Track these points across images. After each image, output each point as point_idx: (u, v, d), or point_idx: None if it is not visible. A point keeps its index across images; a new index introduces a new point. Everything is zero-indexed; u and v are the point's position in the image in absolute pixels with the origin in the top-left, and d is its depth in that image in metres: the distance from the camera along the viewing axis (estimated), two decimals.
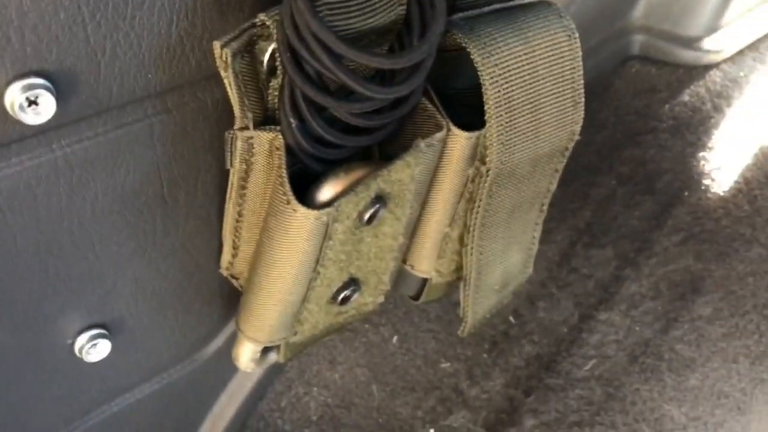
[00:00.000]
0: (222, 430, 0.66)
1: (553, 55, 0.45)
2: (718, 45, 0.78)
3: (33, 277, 0.42)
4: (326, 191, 0.41)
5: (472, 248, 0.52)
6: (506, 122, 0.44)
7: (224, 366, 0.62)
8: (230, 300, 0.55)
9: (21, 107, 0.33)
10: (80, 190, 0.40)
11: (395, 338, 0.72)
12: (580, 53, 0.46)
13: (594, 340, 0.68)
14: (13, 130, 0.35)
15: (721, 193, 0.69)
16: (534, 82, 0.45)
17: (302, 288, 0.45)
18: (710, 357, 0.66)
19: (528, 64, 0.44)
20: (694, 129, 0.71)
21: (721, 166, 0.70)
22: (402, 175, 0.42)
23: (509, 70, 0.43)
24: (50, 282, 0.43)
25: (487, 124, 0.44)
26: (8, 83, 0.33)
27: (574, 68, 0.46)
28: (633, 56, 0.78)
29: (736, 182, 0.69)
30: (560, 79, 0.46)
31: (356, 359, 0.71)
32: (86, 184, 0.40)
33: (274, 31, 0.37)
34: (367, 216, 0.42)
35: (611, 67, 0.77)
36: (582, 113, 0.48)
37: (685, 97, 0.73)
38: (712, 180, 0.69)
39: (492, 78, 0.42)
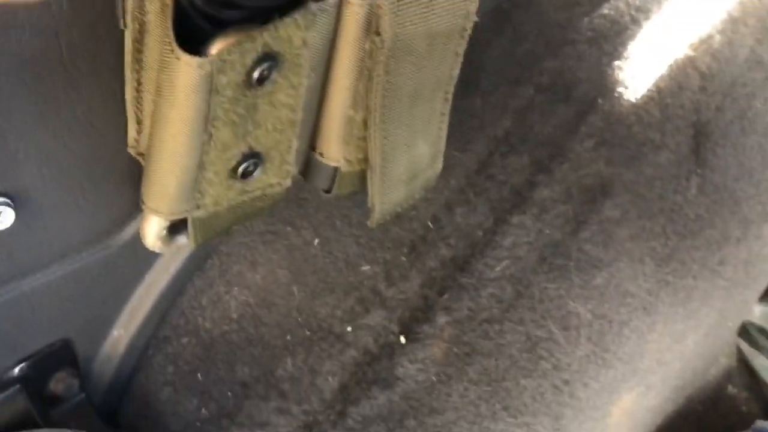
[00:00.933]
0: (140, 323, 0.66)
1: None
2: None
3: None
4: (214, 48, 0.41)
5: (375, 131, 0.53)
6: None
7: (140, 254, 0.63)
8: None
9: None
10: None
11: (316, 241, 0.73)
12: None
13: (507, 242, 0.70)
14: None
15: (634, 101, 0.70)
16: None
17: (195, 150, 0.45)
18: (617, 258, 0.68)
19: None
20: (612, 40, 0.73)
21: (636, 76, 0.71)
22: (292, 34, 0.42)
23: None
24: None
25: None
26: None
27: None
28: None
29: (649, 90, 0.71)
30: None
31: (277, 261, 0.72)
32: None
33: None
34: (256, 74, 0.42)
35: None
36: None
37: (605, 10, 0.74)
38: (626, 88, 0.71)
39: None
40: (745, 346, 1.07)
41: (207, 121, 0.43)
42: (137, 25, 0.41)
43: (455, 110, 0.75)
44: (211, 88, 0.41)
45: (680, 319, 0.74)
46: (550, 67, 0.72)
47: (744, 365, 1.10)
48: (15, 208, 0.49)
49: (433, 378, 0.68)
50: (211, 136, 0.44)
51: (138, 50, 0.43)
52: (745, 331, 1.06)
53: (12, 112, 0.45)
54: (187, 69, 0.40)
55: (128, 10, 0.40)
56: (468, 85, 0.76)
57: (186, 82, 0.40)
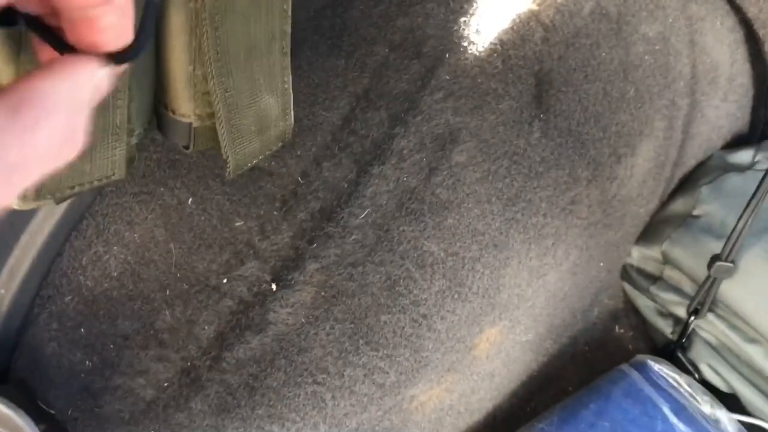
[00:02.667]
0: (20, 282, 0.70)
1: None
2: None
3: None
4: None
5: (215, 85, 0.57)
6: None
7: (12, 217, 0.67)
8: None
9: None
10: None
11: (191, 200, 0.77)
12: None
13: (369, 191, 0.75)
14: None
15: (478, 54, 0.75)
16: None
17: None
18: (465, 199, 0.74)
19: None
20: None
21: (481, 30, 0.76)
22: None
23: None
24: None
25: None
26: None
27: None
28: None
29: (492, 44, 0.76)
30: None
31: (154, 220, 0.76)
32: None
33: None
34: None
35: None
36: None
37: None
38: (471, 42, 0.76)
39: None
40: (628, 288, 1.14)
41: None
42: None
43: (320, 70, 0.80)
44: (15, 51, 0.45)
45: (535, 255, 0.80)
46: (401, 26, 0.77)
47: (629, 306, 1.17)
48: None
49: (303, 320, 0.73)
50: None
51: None
52: (626, 274, 1.13)
53: None
54: None
55: None
56: (332, 46, 0.80)
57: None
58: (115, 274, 0.75)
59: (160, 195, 0.76)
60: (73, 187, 0.57)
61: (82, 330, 0.73)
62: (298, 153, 0.78)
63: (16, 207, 0.58)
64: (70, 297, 0.74)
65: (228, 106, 0.60)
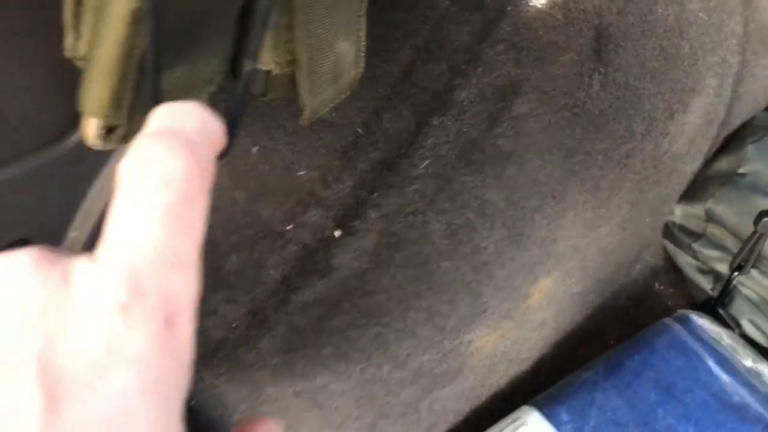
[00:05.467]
0: (93, 225, 0.71)
1: None
2: None
3: None
4: None
5: (300, 32, 0.58)
6: None
7: (88, 161, 0.68)
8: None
9: None
10: None
11: (255, 149, 0.78)
12: None
13: (429, 142, 0.76)
14: None
15: (540, 6, 0.75)
16: None
17: (125, 68, 0.50)
18: (526, 150, 0.74)
19: None
20: None
21: None
22: None
23: None
24: None
25: None
26: None
27: None
28: None
29: None
30: None
31: (219, 168, 0.77)
32: None
33: None
34: None
35: None
36: None
37: None
38: None
39: None
40: (669, 245, 1.14)
41: (133, 43, 0.48)
42: None
43: (381, 23, 0.80)
44: (139, 18, 0.46)
45: (590, 207, 0.80)
46: None
47: (670, 263, 1.17)
48: None
49: (365, 265, 0.74)
50: (131, 51, 0.49)
51: None
52: (668, 231, 1.13)
53: None
54: (124, 2, 0.45)
55: None
56: (392, 1, 0.80)
57: (120, 11, 0.45)
58: None
59: None
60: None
61: None
62: (359, 105, 0.79)
63: (95, 146, 0.59)
64: None
65: (310, 53, 0.60)
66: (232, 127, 0.37)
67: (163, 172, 0.28)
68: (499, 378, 0.85)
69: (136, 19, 0.45)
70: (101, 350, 0.24)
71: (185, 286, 0.27)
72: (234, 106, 0.39)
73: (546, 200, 0.75)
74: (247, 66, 0.41)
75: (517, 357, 0.86)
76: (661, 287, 1.18)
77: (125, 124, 0.54)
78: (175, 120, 0.31)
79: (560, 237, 0.78)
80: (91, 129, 0.57)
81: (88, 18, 0.51)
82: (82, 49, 0.54)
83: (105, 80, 0.51)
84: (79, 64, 0.55)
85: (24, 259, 0.26)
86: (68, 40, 0.54)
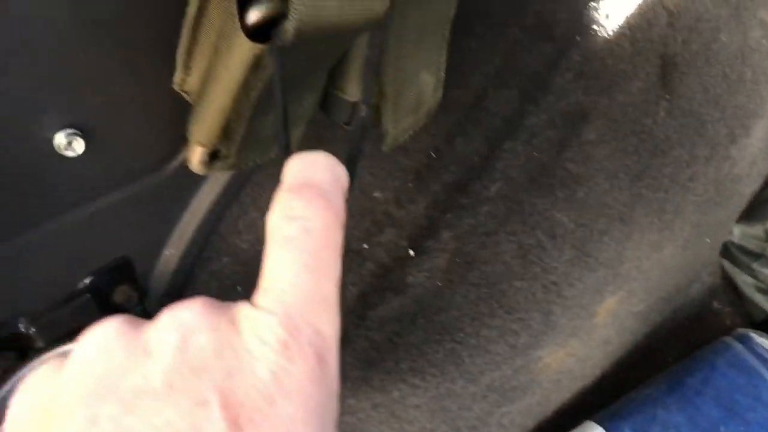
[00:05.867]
0: (187, 243, 0.76)
1: None
2: None
3: (17, 73, 0.51)
4: (253, 14, 0.50)
5: (389, 67, 0.62)
6: None
7: (185, 184, 0.72)
8: (187, 123, 0.65)
9: None
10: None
11: None
12: None
13: (500, 165, 0.79)
14: None
15: (608, 37, 0.78)
16: None
17: (238, 103, 0.54)
18: (595, 174, 0.77)
19: None
20: None
21: (610, 15, 0.79)
22: None
23: None
24: (31, 80, 0.52)
25: None
26: None
27: None
28: None
29: (621, 27, 0.79)
30: None
31: None
32: None
33: None
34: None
35: None
36: None
37: None
38: (601, 26, 0.79)
39: None
40: (727, 265, 1.15)
41: (251, 85, 0.52)
42: None
43: (454, 51, 0.84)
44: (259, 64, 0.50)
45: (655, 229, 0.83)
46: (534, 10, 0.80)
47: (728, 283, 1.18)
48: (84, 138, 0.58)
49: (439, 284, 0.77)
50: (248, 93, 0.53)
51: (201, 14, 0.51)
52: (727, 251, 1.14)
53: (78, 56, 0.54)
54: (245, 49, 0.49)
55: None
56: (464, 28, 0.84)
57: (242, 57, 0.50)
58: None
59: None
60: (255, 161, 0.62)
61: (239, 288, 0.79)
62: (432, 129, 0.82)
63: (198, 171, 0.64)
64: (227, 258, 0.80)
65: (396, 85, 0.64)
66: (352, 170, 0.40)
67: (306, 224, 0.33)
68: (564, 394, 0.88)
69: (256, 64, 0.49)
70: (270, 382, 0.28)
71: (331, 324, 0.31)
72: (352, 150, 0.42)
73: (613, 222, 0.78)
74: (362, 112, 0.44)
75: (582, 373, 0.89)
76: (719, 306, 1.20)
77: (234, 155, 0.59)
78: (309, 173, 0.36)
79: (626, 258, 0.81)
80: (196, 156, 0.62)
81: (201, 56, 0.56)
82: (190, 83, 0.59)
83: (218, 115, 0.56)
84: (186, 96, 0.60)
85: (196, 309, 0.31)
86: (178, 74, 0.58)
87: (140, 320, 0.33)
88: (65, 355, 0.32)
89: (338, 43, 0.53)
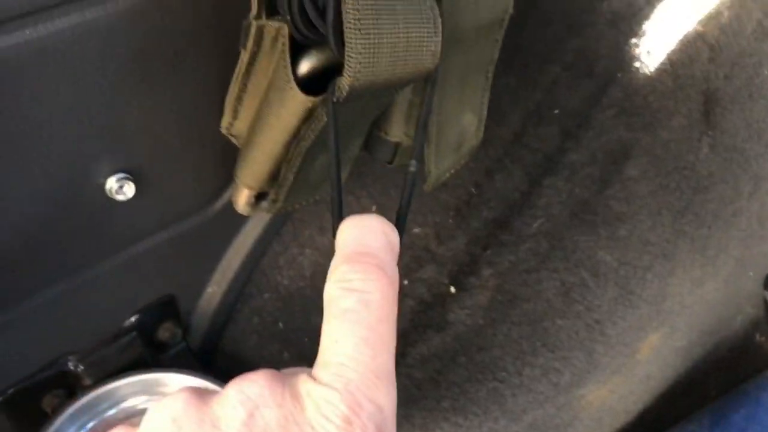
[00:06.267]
0: (230, 280, 0.76)
1: None
2: None
3: (72, 124, 0.52)
4: (304, 65, 0.51)
5: (432, 108, 0.62)
6: None
7: (229, 223, 0.73)
8: (232, 163, 0.65)
9: None
10: (108, 50, 0.50)
11: (374, 207, 0.82)
12: None
13: (541, 202, 0.78)
14: None
15: (649, 73, 0.78)
16: None
17: (287, 149, 0.55)
18: (638, 211, 0.76)
19: None
20: (628, 21, 0.80)
21: (650, 51, 0.79)
22: None
23: None
24: (86, 129, 0.53)
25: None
26: None
27: None
28: None
29: (662, 63, 0.78)
30: None
31: None
32: (112, 45, 0.50)
33: None
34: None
35: None
36: None
37: None
38: (642, 62, 0.78)
39: None
40: None
41: (302, 135, 0.53)
42: (255, 47, 0.51)
43: (493, 89, 0.84)
44: (311, 116, 0.51)
45: (698, 265, 0.81)
46: (573, 47, 0.80)
47: None
48: (135, 182, 0.59)
49: (480, 321, 0.77)
50: (300, 142, 0.54)
51: (251, 64, 0.52)
52: None
53: (131, 104, 0.55)
54: (297, 101, 0.50)
55: (250, 37, 0.50)
56: (504, 65, 0.84)
57: (292, 105, 0.50)
58: (308, 273, 0.81)
59: (348, 203, 0.81)
60: (301, 203, 0.63)
61: (280, 324, 0.79)
62: (471, 165, 0.82)
63: (244, 213, 0.65)
64: (268, 294, 0.80)
65: (439, 127, 0.64)
66: (401, 229, 0.41)
67: (364, 296, 0.33)
68: (605, 431, 0.87)
69: (308, 116, 0.50)
70: None
71: (389, 397, 0.32)
72: (402, 207, 0.43)
73: (657, 259, 0.77)
74: (412, 167, 0.45)
75: (624, 409, 0.88)
76: (762, 338, 1.18)
77: (282, 199, 0.59)
78: (364, 240, 0.36)
79: (669, 294, 0.80)
80: (243, 198, 0.62)
81: (250, 103, 0.57)
82: (238, 128, 0.59)
83: (267, 160, 0.56)
84: (233, 140, 0.61)
85: (261, 383, 0.31)
86: (226, 118, 0.59)
87: (207, 392, 0.34)
88: (130, 417, 0.33)
89: (388, 95, 0.53)
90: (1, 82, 0.46)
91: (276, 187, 0.59)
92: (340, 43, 0.45)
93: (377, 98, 0.52)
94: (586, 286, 0.75)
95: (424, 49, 0.48)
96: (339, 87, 0.46)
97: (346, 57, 0.45)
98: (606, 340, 0.77)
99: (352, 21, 0.44)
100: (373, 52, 0.46)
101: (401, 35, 0.46)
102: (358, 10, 0.44)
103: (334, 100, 0.47)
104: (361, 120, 0.57)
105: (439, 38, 0.48)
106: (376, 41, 0.46)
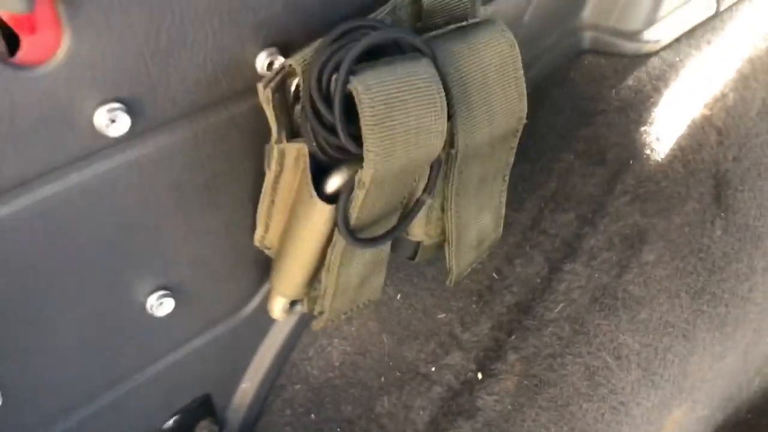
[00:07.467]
0: (263, 375, 0.77)
1: (498, 61, 0.56)
2: (657, 35, 0.88)
3: (114, 252, 0.54)
4: (331, 183, 0.53)
5: (450, 214, 0.64)
6: (466, 114, 0.56)
7: (261, 321, 0.74)
8: (263, 267, 0.67)
9: (106, 125, 0.45)
10: (147, 186, 0.52)
11: (399, 296, 0.83)
12: (520, 58, 0.57)
13: (562, 287, 0.79)
14: (102, 141, 0.47)
15: (660, 160, 0.79)
16: (485, 83, 0.56)
17: (319, 256, 0.57)
18: (657, 294, 0.77)
19: (479, 69, 0.55)
20: (637, 108, 0.82)
21: (660, 138, 0.80)
22: None
23: (465, 75, 0.55)
24: (127, 255, 0.55)
25: (452, 117, 0.55)
26: (96, 107, 0.45)
27: (516, 69, 0.57)
28: (585, 50, 0.89)
29: (673, 150, 0.80)
30: (506, 79, 0.57)
31: (368, 315, 0.83)
32: (150, 182, 0.52)
33: (300, 71, 0.48)
34: None
35: (567, 61, 0.88)
36: (525, 103, 0.59)
37: (630, 82, 0.84)
38: (653, 149, 0.80)
39: (453, 81, 0.54)
40: None
41: (329, 239, 0.54)
42: (278, 168, 0.53)
43: (510, 176, 0.86)
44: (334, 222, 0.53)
45: (717, 342, 0.82)
46: (585, 135, 0.82)
47: None
48: (173, 297, 0.61)
49: (509, 407, 0.77)
50: (335, 246, 0.55)
51: (276, 182, 0.54)
52: None
53: (170, 227, 0.57)
54: (321, 209, 0.52)
55: (273, 159, 0.52)
56: (519, 154, 0.86)
57: (319, 218, 0.52)
58: (337, 363, 0.82)
59: None
60: (345, 313, 0.64)
61: (312, 415, 0.80)
62: (492, 251, 0.84)
63: (279, 319, 0.66)
64: (299, 385, 0.81)
65: (458, 228, 0.66)
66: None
67: None
68: None
69: (330, 226, 0.52)
70: None
71: None
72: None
73: (677, 340, 0.78)
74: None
75: None
76: None
77: (327, 309, 0.61)
78: None
79: (690, 372, 0.80)
80: (278, 305, 0.64)
81: (279, 217, 0.58)
82: (270, 239, 0.61)
83: (300, 269, 0.58)
84: (266, 252, 0.62)
85: None
86: (259, 232, 0.61)
87: None
88: None
89: (406, 181, 0.54)
90: (54, 222, 0.48)
91: (319, 297, 0.61)
92: (353, 136, 0.47)
93: (396, 186, 0.53)
94: (609, 369, 0.76)
95: (433, 131, 0.49)
96: (360, 180, 0.48)
97: (365, 150, 0.47)
98: (631, 420, 0.77)
99: (368, 117, 0.46)
100: (389, 143, 0.48)
101: (412, 123, 0.48)
102: (372, 107, 0.46)
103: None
104: (386, 213, 0.58)
105: (445, 119, 0.50)
106: (390, 132, 0.47)
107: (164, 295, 0.60)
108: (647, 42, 0.87)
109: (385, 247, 0.63)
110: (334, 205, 0.52)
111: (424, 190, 0.56)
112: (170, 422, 0.72)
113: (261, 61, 0.52)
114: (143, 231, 0.55)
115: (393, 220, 0.60)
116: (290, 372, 0.81)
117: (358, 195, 0.50)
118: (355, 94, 0.46)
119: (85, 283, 0.54)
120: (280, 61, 0.51)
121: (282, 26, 0.51)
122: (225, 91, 0.51)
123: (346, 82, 0.46)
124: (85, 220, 0.50)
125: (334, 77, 0.47)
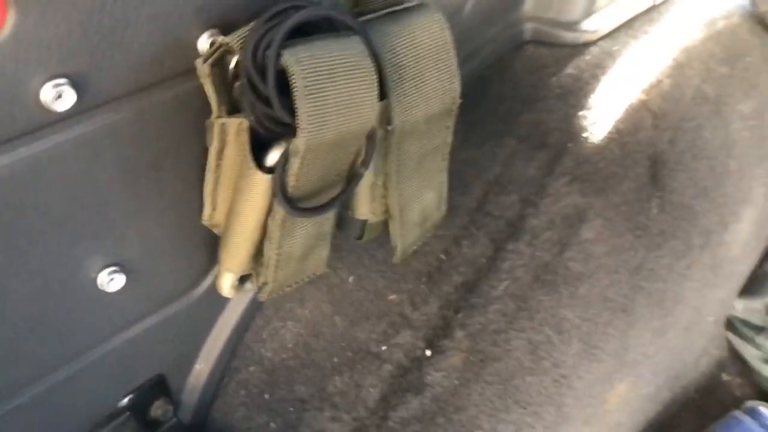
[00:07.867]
0: (216, 356, 0.80)
1: (430, 42, 0.59)
2: (595, 26, 0.92)
3: (64, 227, 0.56)
4: (271, 156, 0.55)
5: (393, 190, 0.67)
6: (400, 92, 0.59)
7: (214, 302, 0.76)
8: (214, 247, 0.69)
9: (52, 99, 0.48)
10: (94, 161, 0.54)
11: (351, 278, 0.86)
12: (451, 40, 0.60)
13: (506, 266, 0.83)
14: (49, 116, 0.49)
15: (598, 142, 0.83)
16: (418, 63, 0.59)
17: (262, 230, 0.59)
18: (596, 270, 0.81)
19: (411, 49, 0.58)
20: (576, 94, 0.86)
21: (598, 122, 0.84)
22: None
23: (398, 55, 0.58)
24: (77, 230, 0.57)
25: (388, 95, 0.58)
26: (43, 82, 0.47)
27: (447, 51, 0.60)
28: (527, 41, 0.93)
29: (610, 133, 0.83)
30: (438, 60, 0.60)
31: (321, 297, 0.85)
32: (97, 157, 0.54)
33: (237, 48, 0.51)
34: None
35: (509, 51, 0.92)
36: (458, 84, 0.62)
37: (569, 70, 0.88)
38: (591, 133, 0.84)
39: (387, 61, 0.57)
40: (733, 338, 1.18)
41: (270, 211, 0.57)
42: (220, 144, 0.55)
43: (456, 162, 0.89)
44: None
45: (657, 317, 0.86)
46: (527, 121, 0.86)
47: (735, 355, 1.21)
48: (125, 274, 0.63)
49: (456, 382, 0.80)
50: (275, 215, 0.58)
51: (219, 158, 0.57)
52: (732, 325, 1.17)
53: (119, 205, 0.59)
54: (260, 180, 0.54)
55: (215, 134, 0.55)
56: (464, 140, 0.89)
57: (259, 188, 0.55)
58: (290, 345, 0.84)
59: (326, 275, 0.85)
60: (290, 285, 0.67)
61: (266, 396, 0.82)
62: (440, 233, 0.87)
63: (228, 296, 0.68)
64: (253, 367, 0.83)
65: (401, 205, 0.69)
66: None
67: None
68: None
69: (270, 197, 0.55)
70: None
71: None
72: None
73: (617, 314, 0.81)
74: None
75: None
76: (728, 377, 1.21)
77: (271, 280, 0.63)
78: None
79: (631, 346, 0.84)
80: (226, 282, 0.66)
81: (224, 194, 0.61)
82: (217, 218, 0.63)
83: (245, 243, 0.61)
84: (214, 229, 0.65)
85: None
86: (206, 210, 0.63)
87: None
88: None
89: (342, 154, 0.57)
90: (2, 196, 0.50)
91: (263, 268, 0.63)
92: (288, 109, 0.50)
93: (333, 158, 0.56)
94: (551, 344, 0.79)
95: (365, 103, 0.52)
96: (294, 149, 0.51)
97: (297, 119, 0.50)
98: (574, 393, 0.80)
99: (299, 87, 0.48)
100: (321, 113, 0.51)
101: (343, 94, 0.51)
102: (303, 78, 0.49)
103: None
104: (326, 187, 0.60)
105: (376, 91, 0.53)
106: (323, 103, 0.50)
107: (115, 271, 0.62)
108: (585, 32, 0.91)
109: (328, 220, 0.66)
110: (273, 175, 0.54)
111: (362, 164, 0.59)
112: (125, 401, 0.73)
113: (203, 42, 0.54)
114: (92, 207, 0.57)
115: (334, 194, 0.62)
116: (244, 354, 0.83)
117: (293, 163, 0.53)
118: (286, 66, 0.49)
119: (35, 257, 0.55)
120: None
121: (224, 8, 0.54)
122: (168, 70, 0.54)
123: (278, 55, 0.49)
124: (33, 194, 0.52)
125: (268, 52, 0.50)
